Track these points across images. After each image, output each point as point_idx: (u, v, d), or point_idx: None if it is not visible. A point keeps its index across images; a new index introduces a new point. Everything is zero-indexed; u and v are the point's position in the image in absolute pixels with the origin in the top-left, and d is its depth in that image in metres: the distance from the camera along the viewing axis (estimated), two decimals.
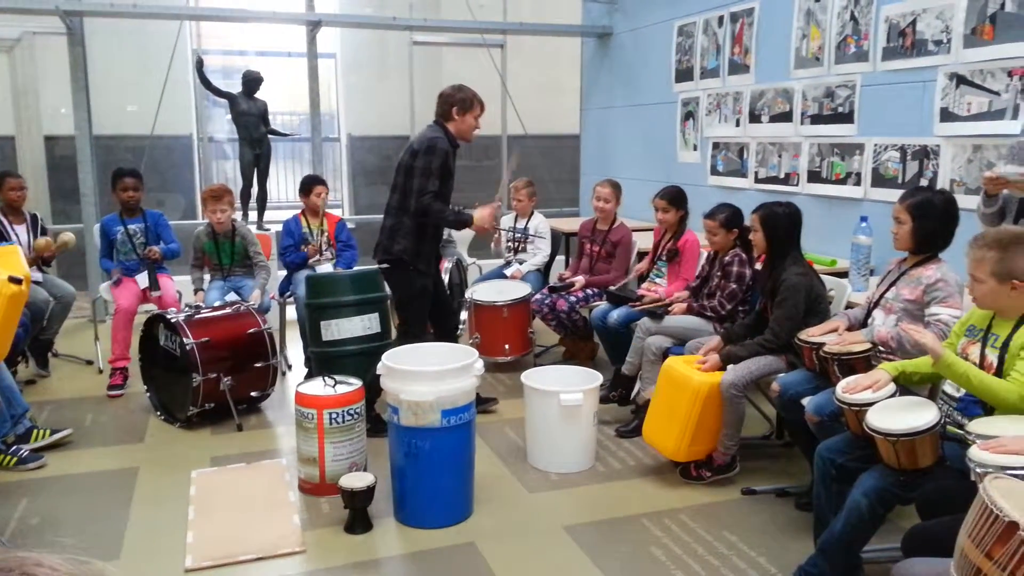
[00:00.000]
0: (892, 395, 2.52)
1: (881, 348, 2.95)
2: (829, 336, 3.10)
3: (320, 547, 2.99)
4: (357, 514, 3.10)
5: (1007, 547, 1.48)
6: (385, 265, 4.13)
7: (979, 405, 2.39)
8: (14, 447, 3.71)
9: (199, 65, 6.23)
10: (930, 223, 2.95)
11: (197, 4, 6.96)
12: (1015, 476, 1.83)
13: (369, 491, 3.08)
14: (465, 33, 7.50)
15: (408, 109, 7.88)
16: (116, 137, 7.48)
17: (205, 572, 2.80)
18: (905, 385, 2.64)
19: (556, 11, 7.68)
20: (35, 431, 3.87)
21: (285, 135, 7.16)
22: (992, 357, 2.39)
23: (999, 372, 2.35)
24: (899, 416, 2.36)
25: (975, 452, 1.98)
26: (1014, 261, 2.31)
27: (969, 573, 1.54)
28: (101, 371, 5.08)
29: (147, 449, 3.95)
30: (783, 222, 3.44)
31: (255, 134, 6.33)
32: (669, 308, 4.15)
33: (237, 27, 7.73)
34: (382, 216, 4.17)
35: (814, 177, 4.88)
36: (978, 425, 2.18)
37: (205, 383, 4.05)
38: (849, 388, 2.58)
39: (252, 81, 6.26)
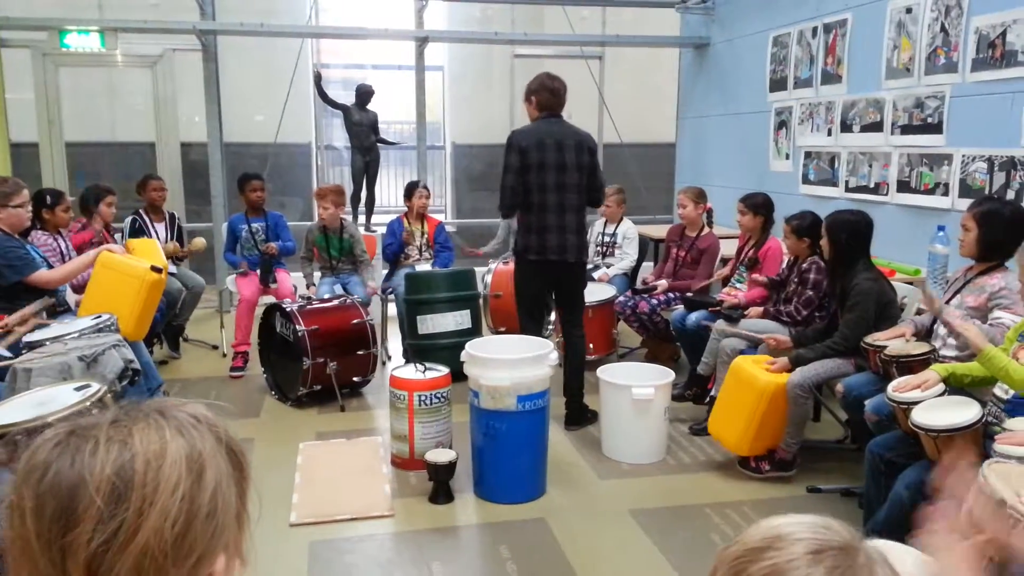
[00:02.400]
0: (940, 395, 2.63)
1: (940, 354, 3.04)
2: (894, 340, 3.21)
3: (407, 513, 3.34)
4: (440, 486, 3.43)
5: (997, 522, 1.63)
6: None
7: None
8: None
9: (317, 79, 6.78)
10: (996, 232, 3.02)
11: (318, 23, 7.53)
12: None
13: (451, 466, 3.41)
14: (565, 46, 7.79)
15: (508, 118, 8.23)
16: (243, 144, 8.14)
17: (306, 527, 3.19)
18: (957, 387, 2.73)
19: (656, 22, 7.86)
20: None
21: (393, 143, 7.64)
22: None
23: None
24: (943, 413, 2.48)
25: (999, 445, 2.10)
26: None
27: None
28: (225, 355, 5.64)
29: (262, 423, 4.43)
30: (849, 229, 3.55)
31: (366, 143, 6.82)
32: (745, 312, 4.29)
33: (353, 43, 8.27)
34: (567, 219, 4.15)
35: (903, 187, 4.89)
36: (1015, 423, 2.29)
37: (314, 367, 4.48)
38: (899, 388, 2.71)
39: (364, 94, 6.76)
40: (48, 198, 4.66)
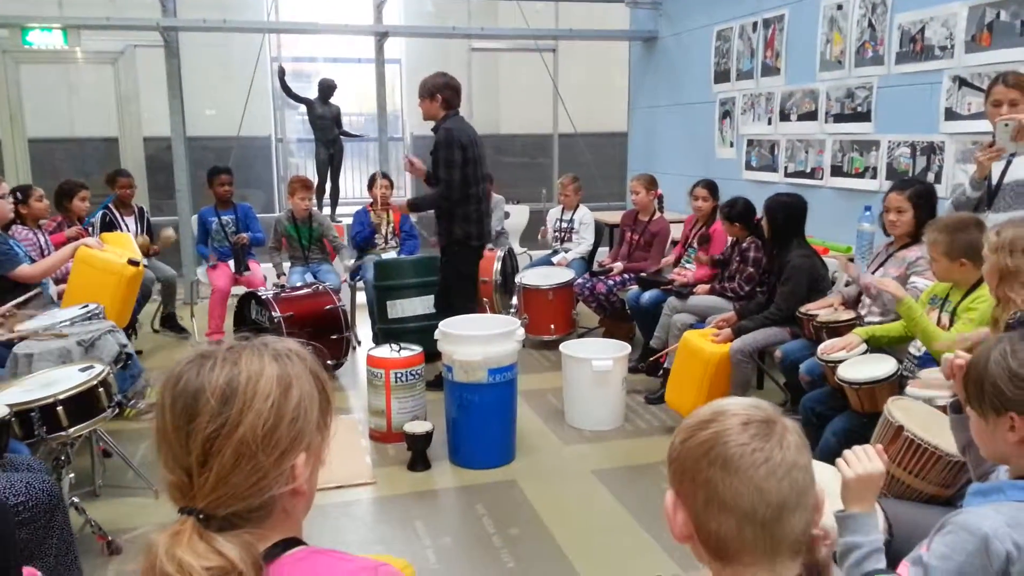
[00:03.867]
0: (863, 354, 2.99)
1: (865, 319, 3.42)
2: (824, 309, 3.58)
3: (387, 480, 3.62)
4: (418, 455, 3.71)
5: (896, 444, 1.98)
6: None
7: (936, 362, 2.85)
8: (133, 400, 4.42)
9: (281, 74, 6.96)
10: (926, 211, 3.39)
11: (278, 19, 7.67)
12: (938, 407, 2.31)
13: (428, 436, 3.69)
14: (519, 39, 8.06)
15: (466, 110, 8.47)
16: (203, 138, 8.25)
17: None
18: (877, 346, 3.10)
19: (605, 17, 8.17)
20: (148, 388, 4.59)
21: (357, 136, 7.85)
22: (945, 319, 2.85)
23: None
24: (863, 369, 2.85)
25: (909, 389, 2.46)
26: (959, 242, 2.76)
27: None
28: (197, 343, 5.81)
29: None
30: (785, 210, 3.92)
31: (330, 135, 7.03)
32: (694, 289, 4.64)
33: (312, 37, 8.41)
34: (487, 206, 4.73)
35: (836, 171, 5.29)
36: (926, 373, 2.65)
37: None
38: (827, 349, 3.07)
39: (327, 88, 6.96)
40: (18, 194, 4.77)
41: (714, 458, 1.02)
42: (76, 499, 3.01)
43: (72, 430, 2.79)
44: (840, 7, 5.17)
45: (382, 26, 7.20)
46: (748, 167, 6.28)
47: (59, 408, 2.74)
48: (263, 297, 4.84)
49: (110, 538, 2.99)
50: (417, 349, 4.11)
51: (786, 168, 5.81)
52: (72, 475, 3.02)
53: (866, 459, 1.48)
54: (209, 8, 7.05)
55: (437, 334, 3.77)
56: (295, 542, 1.04)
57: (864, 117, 5.01)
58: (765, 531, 1.01)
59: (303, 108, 7.44)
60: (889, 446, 2.00)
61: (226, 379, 0.99)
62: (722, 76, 6.59)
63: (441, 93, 4.48)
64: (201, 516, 0.96)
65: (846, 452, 1.53)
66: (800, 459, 1.03)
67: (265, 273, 5.81)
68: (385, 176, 6.08)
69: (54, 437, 2.76)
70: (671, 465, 1.09)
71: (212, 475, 0.96)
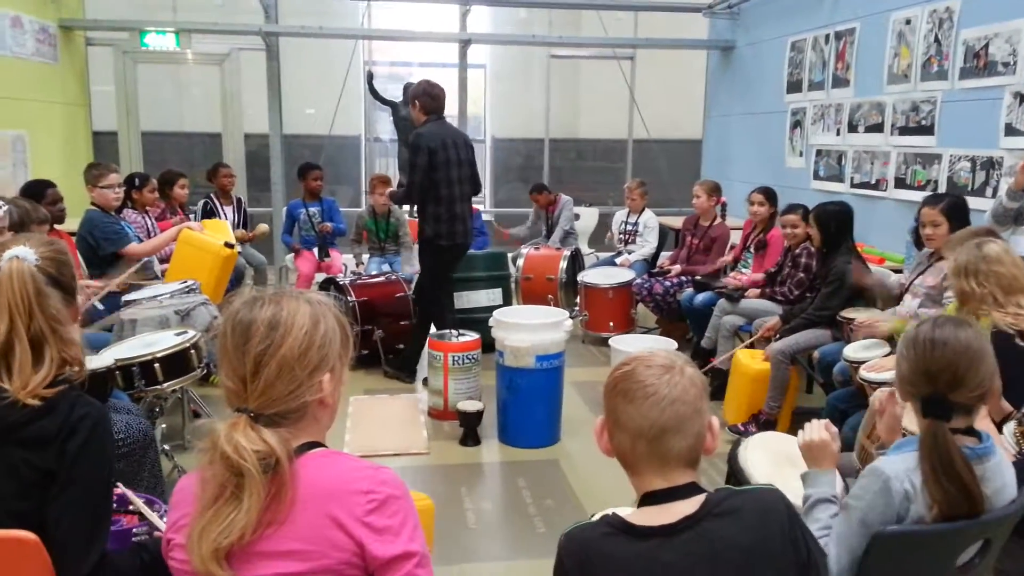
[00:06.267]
0: (886, 355, 3.14)
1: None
2: (862, 314, 3.72)
3: (440, 452, 3.95)
4: (469, 432, 4.03)
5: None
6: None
7: None
8: None
9: (369, 78, 7.42)
10: (961, 223, 3.50)
11: (370, 25, 8.15)
12: None
13: (479, 414, 4.00)
14: (598, 47, 8.31)
15: (544, 115, 8.79)
16: (299, 136, 8.81)
17: None
18: None
19: (685, 25, 8.32)
20: None
21: None
22: None
23: None
24: (884, 369, 2.99)
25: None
26: None
27: (859, 451, 2.24)
28: None
29: None
30: (834, 219, 4.06)
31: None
32: (745, 292, 4.80)
33: (403, 43, 8.86)
34: (465, 208, 4.81)
35: (900, 183, 5.35)
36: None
37: (362, 333, 5.10)
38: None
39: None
40: (137, 180, 5.32)
41: (620, 391, 1.34)
42: (167, 447, 3.44)
43: (167, 384, 3.21)
44: (908, 22, 5.23)
45: (465, 34, 7.58)
46: (816, 177, 6.36)
47: (156, 365, 3.17)
48: (341, 283, 5.25)
49: None
50: (474, 335, 4.42)
51: (852, 179, 5.87)
52: (164, 426, 3.46)
53: (812, 431, 1.73)
54: (307, 16, 7.58)
55: (491, 321, 4.08)
56: (319, 445, 1.35)
57: (928, 131, 5.06)
58: (651, 447, 1.31)
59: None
60: (873, 430, 2.19)
61: (272, 313, 1.31)
62: (794, 86, 6.68)
63: (419, 100, 4.73)
64: (251, 414, 1.28)
65: (806, 424, 1.76)
66: (685, 396, 1.32)
67: (345, 262, 6.25)
68: None
69: (152, 390, 3.20)
70: (603, 396, 1.38)
71: (261, 383, 1.28)
